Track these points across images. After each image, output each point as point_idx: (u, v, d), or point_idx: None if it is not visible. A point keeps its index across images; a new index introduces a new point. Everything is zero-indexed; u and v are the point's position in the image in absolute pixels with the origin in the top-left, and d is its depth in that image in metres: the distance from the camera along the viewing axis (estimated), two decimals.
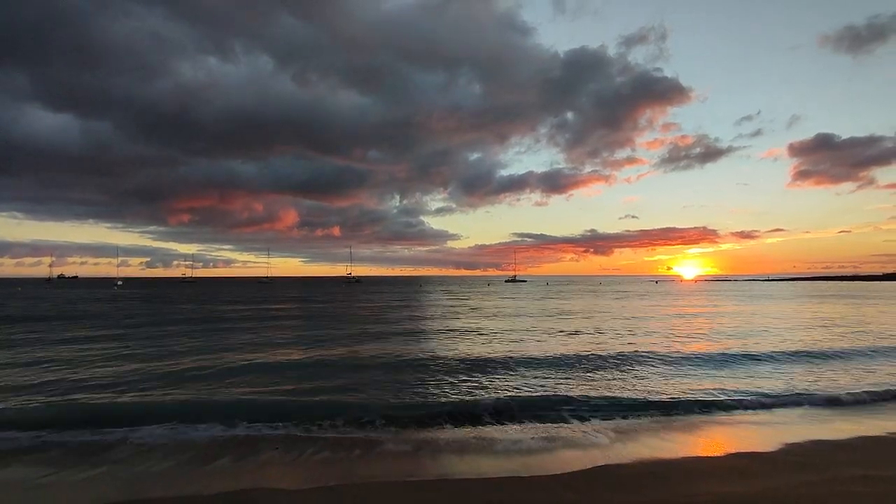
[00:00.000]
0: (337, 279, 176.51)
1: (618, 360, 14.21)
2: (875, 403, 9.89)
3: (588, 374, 12.33)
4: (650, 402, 9.66)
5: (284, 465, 6.50)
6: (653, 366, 13.42)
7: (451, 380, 11.61)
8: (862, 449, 6.98)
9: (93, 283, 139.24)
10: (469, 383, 11.29)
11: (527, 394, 10.23)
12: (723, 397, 10.01)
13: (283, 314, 32.25)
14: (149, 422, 8.17)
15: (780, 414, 9.16)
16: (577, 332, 21.01)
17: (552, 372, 12.61)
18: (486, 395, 9.98)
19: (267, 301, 48.15)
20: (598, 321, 26.11)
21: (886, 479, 5.75)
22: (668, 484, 5.63)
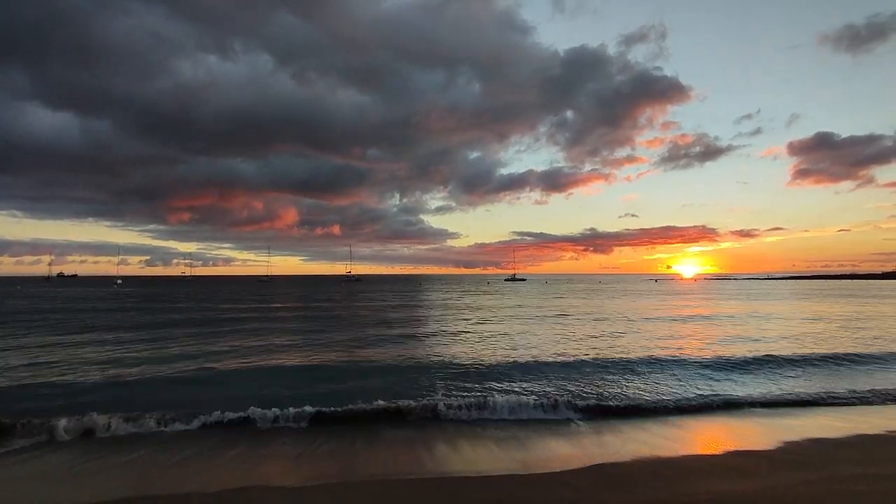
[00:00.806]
0: (337, 278, 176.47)
1: (617, 359, 14.21)
2: (874, 403, 9.90)
3: (587, 374, 12.34)
4: (651, 402, 9.68)
5: (284, 462, 6.51)
6: (653, 365, 13.43)
7: (450, 380, 11.64)
8: (860, 447, 6.99)
9: (92, 282, 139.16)
10: (468, 383, 11.32)
11: (526, 393, 10.24)
12: (721, 397, 10.03)
13: (283, 314, 32.25)
14: (148, 419, 8.18)
15: (778, 413, 9.18)
16: (575, 333, 21.03)
17: (551, 372, 12.62)
18: (486, 395, 9.98)
19: (266, 300, 48.12)
20: (597, 321, 26.12)
21: (884, 477, 5.76)
22: (667, 482, 5.64)
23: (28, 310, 34.07)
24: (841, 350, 15.77)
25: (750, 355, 14.69)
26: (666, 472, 6.00)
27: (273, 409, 8.63)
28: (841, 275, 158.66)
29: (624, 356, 14.53)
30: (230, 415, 8.38)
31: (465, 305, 38.94)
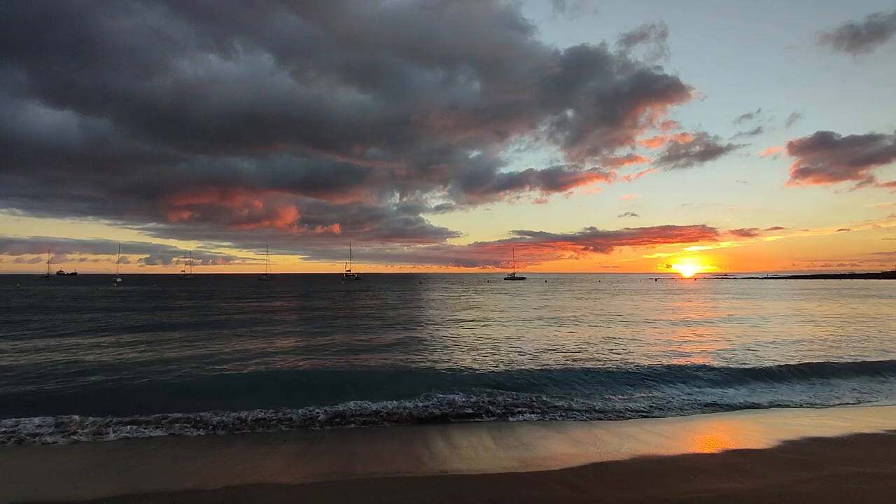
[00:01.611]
0: (336, 276, 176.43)
1: (616, 359, 14.23)
2: (872, 402, 9.93)
3: (587, 374, 12.35)
4: (651, 400, 9.70)
5: (285, 459, 6.52)
6: (651, 366, 13.45)
7: (451, 379, 11.64)
8: (858, 446, 7.02)
9: (92, 280, 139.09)
10: (468, 383, 11.32)
11: (524, 392, 10.25)
12: (717, 398, 10.06)
13: (283, 314, 32.25)
14: (150, 418, 8.20)
15: (777, 412, 9.21)
16: (576, 333, 21.04)
17: (550, 372, 12.63)
18: (485, 395, 10.00)
19: (265, 299, 48.11)
20: (597, 320, 26.13)
21: (882, 476, 5.78)
22: (666, 481, 5.65)
23: (27, 307, 34.06)
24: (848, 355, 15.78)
25: (748, 359, 14.70)
26: (665, 470, 6.01)
27: (273, 409, 8.65)
28: (840, 274, 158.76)
29: (623, 357, 14.55)
30: (231, 414, 8.41)
31: (465, 305, 38.95)
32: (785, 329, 21.59)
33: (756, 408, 9.43)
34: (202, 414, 8.40)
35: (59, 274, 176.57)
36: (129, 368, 12.59)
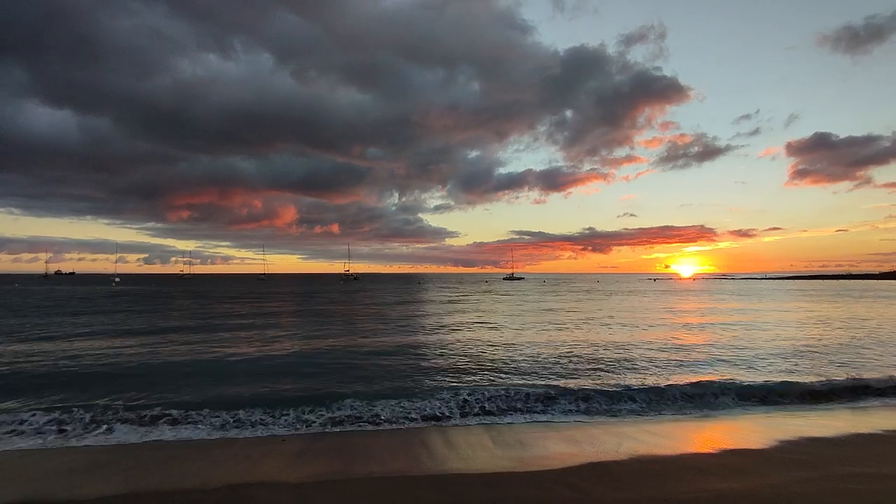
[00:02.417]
0: (335, 276, 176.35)
1: (616, 359, 14.27)
2: (871, 401, 9.97)
3: (586, 374, 12.38)
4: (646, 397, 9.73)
5: (285, 459, 6.52)
6: (652, 366, 13.49)
7: (450, 380, 11.67)
8: (856, 446, 7.04)
9: (90, 280, 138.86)
10: (468, 383, 11.34)
11: (522, 391, 10.27)
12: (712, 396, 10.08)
13: (282, 313, 32.25)
14: (149, 417, 8.20)
15: (775, 412, 9.24)
16: (574, 333, 21.08)
17: (550, 372, 12.67)
18: (485, 395, 10.02)
19: (263, 299, 48.09)
20: (596, 320, 26.18)
21: (881, 476, 5.81)
22: (664, 480, 5.67)
23: (27, 307, 34.00)
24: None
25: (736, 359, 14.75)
26: (663, 470, 6.03)
27: (272, 409, 8.66)
28: (838, 275, 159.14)
29: (623, 356, 14.59)
30: (230, 414, 8.42)
31: (465, 305, 38.98)
32: (781, 330, 21.65)
33: (752, 407, 9.44)
34: (202, 413, 8.40)
35: (58, 273, 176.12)
36: (128, 368, 12.61)
